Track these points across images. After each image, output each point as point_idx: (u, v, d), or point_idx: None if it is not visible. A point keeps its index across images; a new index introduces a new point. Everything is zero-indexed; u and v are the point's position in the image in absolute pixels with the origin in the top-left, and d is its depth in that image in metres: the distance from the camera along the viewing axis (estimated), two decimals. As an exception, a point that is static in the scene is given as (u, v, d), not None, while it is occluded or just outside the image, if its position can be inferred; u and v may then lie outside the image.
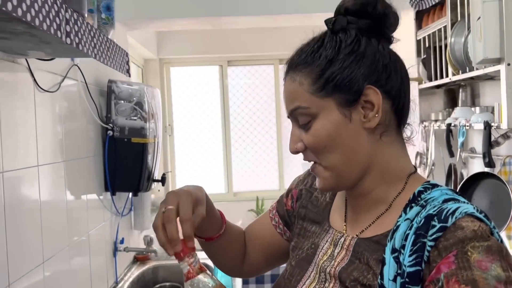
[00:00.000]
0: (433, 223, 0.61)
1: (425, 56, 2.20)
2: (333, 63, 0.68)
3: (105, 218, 1.99)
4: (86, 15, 0.93)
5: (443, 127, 2.06)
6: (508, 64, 1.50)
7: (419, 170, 2.39)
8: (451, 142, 1.98)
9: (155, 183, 2.21)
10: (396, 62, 0.72)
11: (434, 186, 0.70)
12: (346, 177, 0.70)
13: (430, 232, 0.60)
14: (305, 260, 0.78)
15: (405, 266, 0.61)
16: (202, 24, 2.64)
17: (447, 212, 0.61)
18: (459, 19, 1.87)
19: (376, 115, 0.68)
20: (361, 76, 0.67)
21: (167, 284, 2.37)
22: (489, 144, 1.63)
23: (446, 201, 0.65)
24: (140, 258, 2.46)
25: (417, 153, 2.35)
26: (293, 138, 0.72)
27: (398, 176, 0.72)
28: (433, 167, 2.17)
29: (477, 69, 1.70)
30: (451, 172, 2.06)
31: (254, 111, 4.00)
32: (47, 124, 1.44)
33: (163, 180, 2.22)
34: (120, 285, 2.12)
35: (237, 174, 4.01)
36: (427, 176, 2.21)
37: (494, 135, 1.68)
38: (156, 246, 2.32)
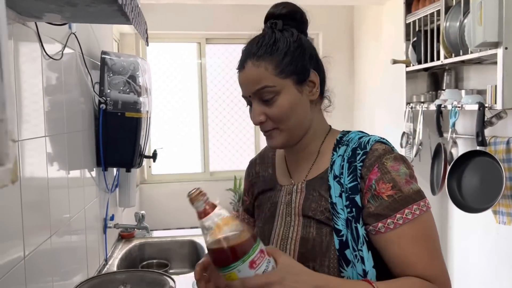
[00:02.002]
0: (358, 151, 0.89)
1: (415, 39, 2.27)
2: (288, 54, 0.91)
3: (96, 194, 1.94)
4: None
5: (431, 108, 2.14)
6: (506, 48, 1.58)
7: (405, 150, 2.50)
8: (440, 123, 2.06)
9: (146, 159, 2.17)
10: (317, 51, 0.97)
11: (348, 131, 0.98)
12: (295, 136, 0.93)
13: (358, 158, 0.88)
14: (269, 217, 0.99)
15: (346, 184, 0.87)
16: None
17: (364, 142, 0.90)
18: (454, 3, 1.94)
19: (317, 90, 0.94)
20: (307, 63, 0.92)
21: (154, 261, 2.35)
22: (483, 124, 1.71)
23: (360, 137, 0.93)
24: (124, 235, 2.42)
25: (403, 133, 2.44)
26: (256, 112, 0.91)
27: (323, 132, 0.98)
28: (420, 146, 2.26)
29: (471, 52, 1.77)
30: (438, 151, 2.15)
31: (231, 91, 3.97)
32: (50, 93, 1.37)
33: (154, 157, 2.18)
34: (110, 262, 2.08)
35: (213, 154, 3.99)
36: (414, 155, 2.30)
37: (487, 115, 1.78)
38: (149, 219, 2.29)
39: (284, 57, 0.90)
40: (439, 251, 0.85)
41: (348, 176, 0.88)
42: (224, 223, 0.71)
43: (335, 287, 0.77)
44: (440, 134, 2.10)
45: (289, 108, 0.89)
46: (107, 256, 2.08)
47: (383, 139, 0.93)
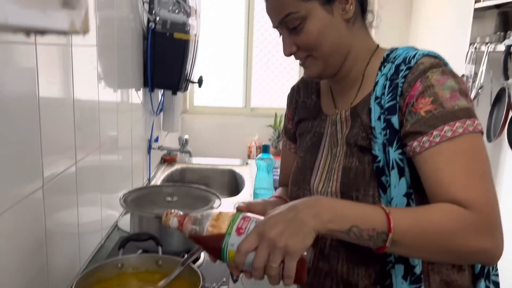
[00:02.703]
0: (401, 68, 0.80)
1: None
2: None
3: (142, 115, 1.95)
4: None
5: (498, 49, 1.98)
6: None
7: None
8: (508, 65, 1.90)
9: (192, 84, 2.14)
10: None
11: (397, 48, 0.87)
12: (333, 63, 0.85)
13: (400, 74, 0.79)
14: (312, 148, 0.92)
15: (384, 105, 0.79)
16: None
17: (410, 57, 0.80)
18: None
19: (351, 6, 0.83)
20: None
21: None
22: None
23: (407, 52, 0.82)
24: (167, 159, 2.46)
25: (463, 76, 2.29)
26: (286, 43, 0.84)
27: (367, 52, 0.88)
28: (480, 90, 2.11)
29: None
30: (500, 96, 2.01)
31: (278, 25, 3.83)
32: (101, 8, 1.34)
33: (200, 82, 2.15)
34: (152, 182, 2.13)
35: (255, 89, 3.93)
36: (473, 99, 2.16)
37: None
38: (192, 146, 2.31)
39: None
40: (486, 174, 0.72)
41: (387, 95, 0.79)
42: (198, 220, 0.72)
43: (337, 208, 0.69)
44: (506, 77, 1.94)
45: (319, 33, 0.81)
46: (150, 177, 2.13)
47: (434, 52, 0.81)
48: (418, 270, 0.79)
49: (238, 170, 2.43)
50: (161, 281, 0.81)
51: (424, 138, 0.73)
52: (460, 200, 0.68)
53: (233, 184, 2.43)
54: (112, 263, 0.88)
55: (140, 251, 1.08)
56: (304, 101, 0.99)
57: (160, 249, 0.98)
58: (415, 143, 0.74)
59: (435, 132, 0.73)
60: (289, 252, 0.64)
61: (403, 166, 0.77)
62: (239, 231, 0.68)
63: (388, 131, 0.78)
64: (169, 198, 1.21)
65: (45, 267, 0.97)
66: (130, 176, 1.77)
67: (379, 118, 0.80)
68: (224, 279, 1.04)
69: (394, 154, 0.78)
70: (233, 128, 3.81)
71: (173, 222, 0.74)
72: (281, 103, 3.99)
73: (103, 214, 1.38)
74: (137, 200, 1.20)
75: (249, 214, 0.71)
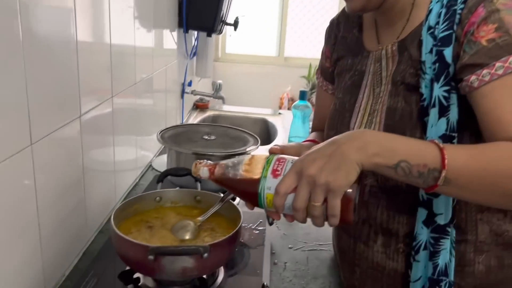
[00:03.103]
0: None
1: None
2: None
3: (176, 57, 1.90)
4: None
5: None
6: None
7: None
8: None
9: (227, 26, 2.07)
10: None
11: None
12: None
13: (459, 0, 0.69)
14: (351, 87, 0.85)
15: (438, 35, 0.70)
16: None
17: None
18: None
19: None
20: None
21: (226, 134, 2.37)
22: None
23: None
24: (199, 105, 2.43)
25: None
26: None
27: None
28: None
29: None
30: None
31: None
32: None
33: (235, 24, 2.07)
34: (185, 127, 2.12)
35: (290, 38, 3.80)
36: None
37: None
38: (223, 93, 2.27)
39: None
40: None
41: (443, 24, 0.70)
42: (230, 167, 0.68)
43: (388, 141, 0.62)
44: None
45: None
46: (183, 122, 2.11)
47: None
48: (442, 220, 0.73)
49: (270, 119, 2.38)
50: (200, 216, 0.80)
51: (484, 71, 0.65)
52: None
53: (265, 134, 2.40)
54: (150, 196, 0.87)
55: (177, 188, 1.07)
56: (344, 36, 0.91)
57: (199, 185, 0.96)
58: (473, 77, 0.66)
59: (498, 64, 0.64)
60: (332, 189, 0.58)
61: (446, 105, 0.70)
62: (275, 173, 0.63)
63: (438, 65, 0.70)
64: (206, 137, 1.18)
65: (83, 200, 0.97)
66: (163, 119, 1.76)
67: (430, 51, 0.71)
68: (261, 220, 1.02)
69: (438, 90, 0.70)
70: (265, 78, 3.73)
71: (204, 171, 0.70)
72: (316, 54, 3.86)
73: (137, 154, 1.38)
74: (174, 137, 1.18)
75: (284, 156, 0.66)
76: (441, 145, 0.62)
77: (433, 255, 0.74)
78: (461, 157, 0.61)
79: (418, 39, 0.74)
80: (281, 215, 0.67)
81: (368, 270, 0.83)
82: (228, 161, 0.69)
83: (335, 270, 1.00)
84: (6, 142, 0.67)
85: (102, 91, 1.06)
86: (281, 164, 0.64)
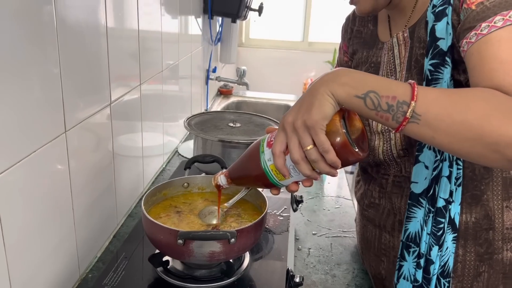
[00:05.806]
0: None
1: None
2: None
3: (201, 43, 1.91)
4: None
5: None
6: None
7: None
8: None
9: (251, 12, 2.06)
10: None
11: None
12: None
13: None
14: None
15: (435, 12, 0.71)
16: None
17: None
18: None
19: None
20: None
21: (250, 120, 2.38)
22: None
23: None
24: (223, 91, 2.45)
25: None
26: None
27: None
28: None
29: None
30: None
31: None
32: None
33: (260, 10, 2.07)
34: (210, 113, 2.14)
35: (314, 22, 3.75)
36: None
37: None
38: (247, 79, 2.28)
39: None
40: None
41: (441, 0, 0.71)
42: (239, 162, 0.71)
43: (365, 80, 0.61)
44: None
45: None
46: (208, 108, 2.13)
47: None
48: (415, 188, 0.76)
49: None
50: (226, 202, 0.81)
51: (472, 33, 0.65)
52: (504, 85, 0.59)
53: (289, 119, 2.40)
54: (179, 182, 0.89)
55: (203, 174, 1.09)
56: (360, 30, 0.93)
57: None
58: (464, 41, 0.66)
59: (483, 24, 0.64)
60: (309, 125, 0.58)
61: (430, 78, 0.71)
62: (269, 144, 0.64)
63: (428, 39, 0.71)
64: (231, 124, 1.19)
65: (113, 185, 1.00)
66: (189, 106, 1.78)
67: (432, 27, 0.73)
68: (285, 207, 1.04)
69: (426, 65, 0.71)
70: (289, 63, 3.70)
71: (221, 179, 0.73)
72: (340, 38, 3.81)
73: (164, 140, 1.41)
74: (200, 124, 1.20)
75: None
76: (416, 87, 0.59)
77: (406, 220, 0.78)
78: (433, 92, 0.59)
79: (424, 20, 0.76)
80: (299, 184, 0.66)
81: (395, 259, 0.84)
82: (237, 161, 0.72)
83: (359, 257, 1.01)
84: (44, 129, 0.70)
85: (130, 77, 1.08)
86: (272, 136, 0.65)
